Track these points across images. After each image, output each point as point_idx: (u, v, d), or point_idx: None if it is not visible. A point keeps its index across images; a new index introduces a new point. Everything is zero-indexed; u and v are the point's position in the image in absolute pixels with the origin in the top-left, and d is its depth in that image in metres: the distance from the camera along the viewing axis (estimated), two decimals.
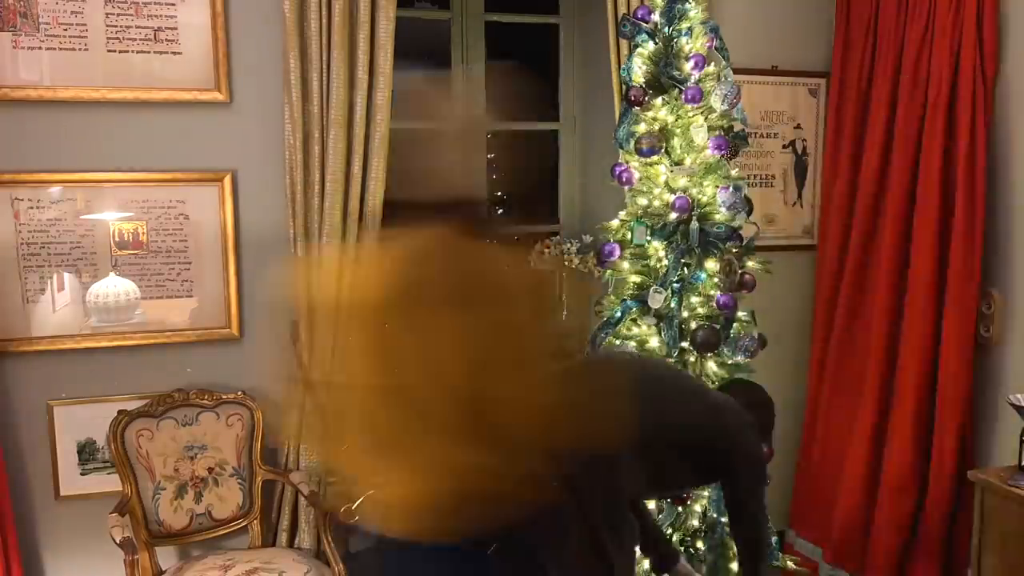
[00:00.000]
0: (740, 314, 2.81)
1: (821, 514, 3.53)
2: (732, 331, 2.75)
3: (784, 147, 3.72)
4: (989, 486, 2.70)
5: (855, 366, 3.42)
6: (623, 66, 2.88)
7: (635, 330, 2.78)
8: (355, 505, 2.61)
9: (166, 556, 2.98)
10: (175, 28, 2.88)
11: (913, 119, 3.15)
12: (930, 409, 3.14)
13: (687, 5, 2.70)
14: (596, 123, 3.86)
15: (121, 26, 2.84)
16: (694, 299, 2.73)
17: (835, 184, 3.52)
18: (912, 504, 3.18)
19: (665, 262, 2.74)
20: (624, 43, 3.18)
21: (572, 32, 4.07)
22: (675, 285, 2.71)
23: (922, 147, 3.12)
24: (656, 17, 2.75)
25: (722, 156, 2.71)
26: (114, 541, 2.55)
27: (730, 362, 2.76)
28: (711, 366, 2.75)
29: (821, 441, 3.57)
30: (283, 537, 3.12)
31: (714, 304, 2.74)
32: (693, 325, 2.71)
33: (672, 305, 2.73)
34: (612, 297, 2.90)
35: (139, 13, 2.85)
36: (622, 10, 3.16)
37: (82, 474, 2.98)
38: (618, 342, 2.83)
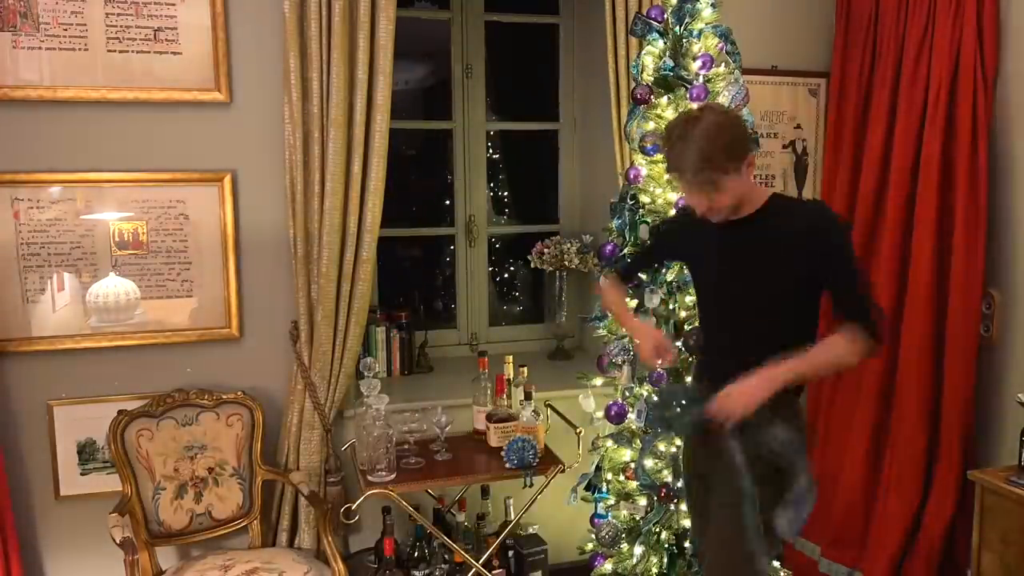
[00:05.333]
0: None
1: (820, 511, 3.51)
2: None
3: (784, 147, 3.72)
4: (989, 485, 2.71)
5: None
6: (633, 63, 2.87)
7: None
8: (355, 505, 2.61)
9: (166, 556, 2.98)
10: (175, 28, 2.88)
11: (913, 119, 3.15)
12: (932, 408, 3.14)
13: (699, 5, 2.69)
14: (596, 123, 3.86)
15: (121, 26, 2.84)
16: (688, 299, 2.72)
17: (835, 184, 3.52)
18: (912, 503, 3.18)
19: None
20: (624, 43, 3.18)
21: (572, 32, 4.08)
22: (672, 284, 2.71)
23: (922, 147, 3.12)
24: (668, 16, 2.74)
25: None
26: (114, 541, 2.54)
27: None
28: None
29: (821, 439, 3.57)
30: (283, 537, 3.12)
31: None
32: (687, 327, 2.71)
33: (671, 306, 2.73)
34: None
35: (139, 13, 2.85)
36: (620, 10, 3.16)
37: (82, 474, 2.98)
38: (616, 339, 2.83)
